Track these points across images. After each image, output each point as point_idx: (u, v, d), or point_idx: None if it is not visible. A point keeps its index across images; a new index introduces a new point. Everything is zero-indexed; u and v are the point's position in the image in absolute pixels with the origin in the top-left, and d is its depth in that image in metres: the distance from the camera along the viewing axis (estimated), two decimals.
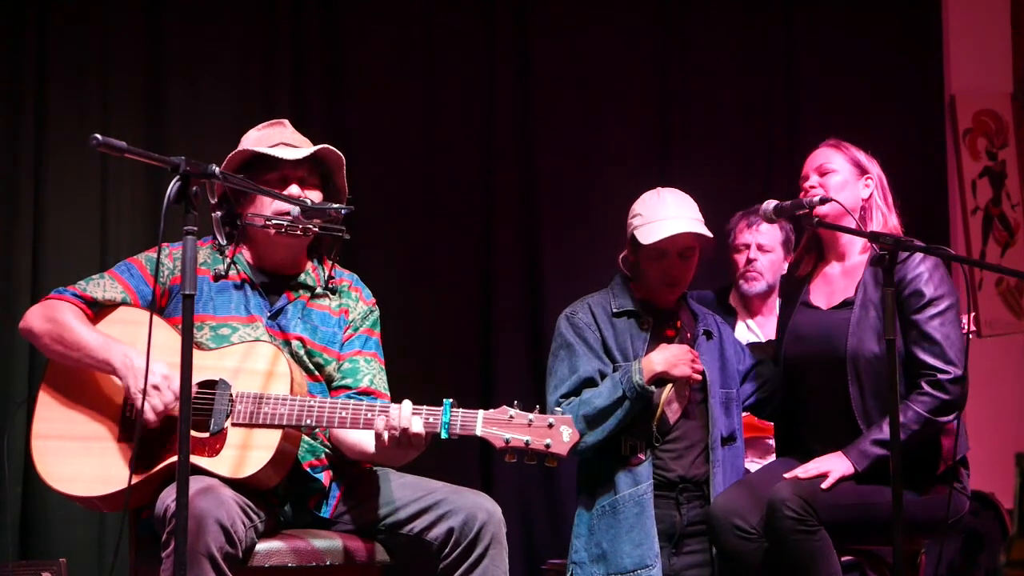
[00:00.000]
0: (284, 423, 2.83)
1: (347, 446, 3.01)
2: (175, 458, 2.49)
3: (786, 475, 3.29)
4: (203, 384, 2.87)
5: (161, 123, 4.58)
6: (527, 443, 2.75)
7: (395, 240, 4.81)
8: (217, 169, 2.58)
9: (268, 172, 3.06)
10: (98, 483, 2.85)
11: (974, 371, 3.43)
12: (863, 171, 3.46)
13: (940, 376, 3.24)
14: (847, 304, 3.39)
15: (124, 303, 3.01)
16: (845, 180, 3.44)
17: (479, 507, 2.90)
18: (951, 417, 3.27)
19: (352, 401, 2.89)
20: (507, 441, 2.76)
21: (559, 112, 5.06)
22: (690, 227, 3.50)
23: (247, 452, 2.82)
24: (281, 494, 2.98)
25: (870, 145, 3.56)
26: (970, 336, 3.91)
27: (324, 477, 3.03)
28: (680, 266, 3.55)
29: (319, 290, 3.13)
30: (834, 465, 3.26)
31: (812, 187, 3.46)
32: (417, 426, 2.78)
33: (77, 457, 2.88)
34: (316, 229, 3.00)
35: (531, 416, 2.77)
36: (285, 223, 2.97)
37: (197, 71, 4.66)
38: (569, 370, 3.54)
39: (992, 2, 5.68)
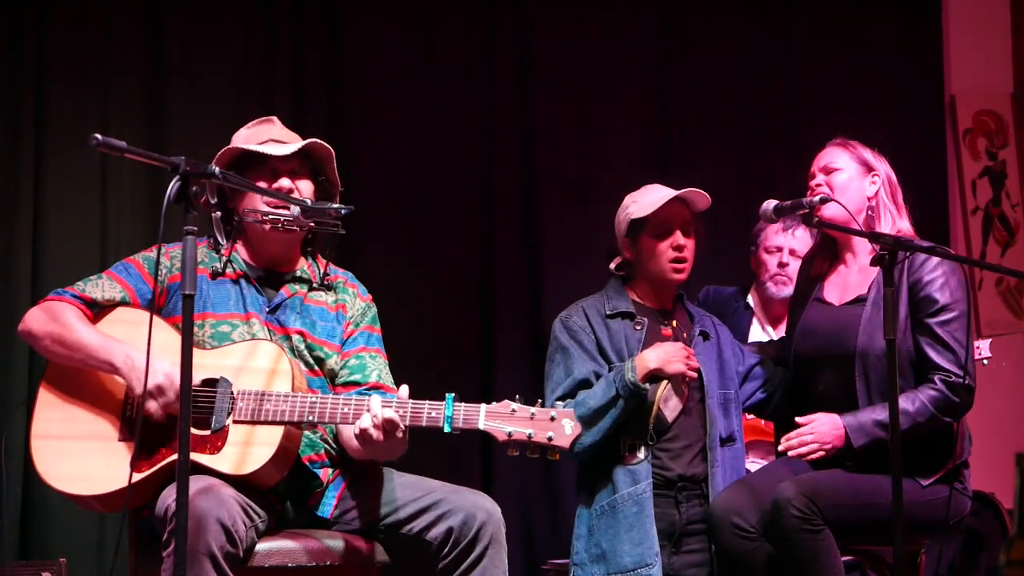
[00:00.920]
0: (286, 420, 2.83)
1: (346, 442, 3.01)
2: (175, 456, 2.49)
3: (781, 447, 3.31)
4: (204, 382, 2.87)
5: (161, 123, 4.58)
6: (529, 436, 2.75)
7: (395, 240, 4.81)
8: (217, 169, 2.59)
9: (258, 168, 3.08)
10: (98, 482, 2.85)
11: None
12: (869, 169, 3.47)
13: (955, 379, 3.25)
14: (859, 301, 3.40)
15: (123, 302, 3.01)
16: (850, 178, 3.45)
17: (478, 507, 2.90)
18: (951, 420, 3.28)
19: (355, 397, 2.89)
20: (510, 434, 2.76)
21: (559, 112, 5.06)
22: (687, 191, 3.53)
23: (249, 449, 2.83)
24: (282, 492, 2.98)
25: (870, 145, 3.56)
26: (984, 362, 3.95)
27: (323, 473, 3.04)
28: (685, 242, 3.55)
29: (315, 284, 3.14)
30: (825, 434, 3.28)
31: (818, 186, 3.46)
32: (387, 413, 2.77)
33: (77, 456, 2.88)
34: (311, 224, 3.02)
35: (533, 409, 2.78)
36: (282, 217, 2.98)
37: (197, 71, 4.66)
38: (565, 373, 3.55)
39: (992, 2, 5.68)
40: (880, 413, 3.24)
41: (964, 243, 5.50)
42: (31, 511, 4.23)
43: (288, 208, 3.00)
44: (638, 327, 3.57)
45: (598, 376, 3.52)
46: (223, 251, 3.09)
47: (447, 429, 2.79)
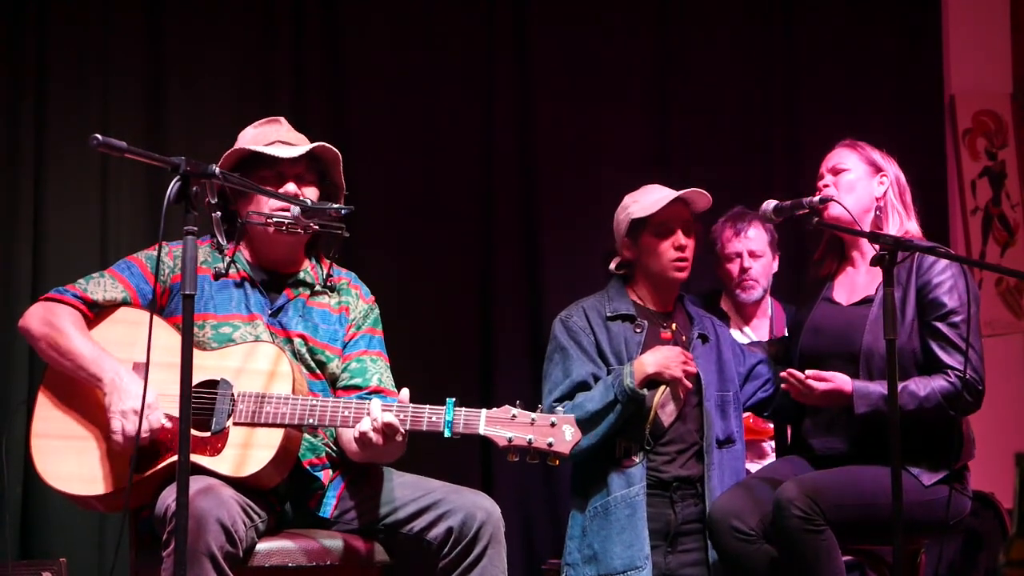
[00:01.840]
0: (286, 422, 2.83)
1: (345, 445, 3.01)
2: (175, 457, 2.49)
3: (782, 375, 3.32)
4: (205, 384, 2.87)
5: (161, 123, 4.57)
6: (530, 442, 2.75)
7: (395, 240, 4.81)
8: (217, 169, 2.58)
9: (264, 170, 3.06)
10: (98, 482, 2.86)
11: None
12: (878, 169, 3.48)
13: (970, 376, 3.25)
14: (867, 301, 3.41)
15: (125, 303, 3.01)
16: (858, 178, 3.46)
17: (478, 506, 2.90)
18: (955, 414, 3.28)
19: (355, 400, 2.89)
20: (510, 440, 2.76)
21: (559, 112, 5.05)
22: (689, 191, 3.54)
23: (249, 451, 2.82)
24: (282, 493, 2.98)
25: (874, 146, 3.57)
26: None
27: (324, 476, 3.03)
28: (686, 242, 3.56)
29: (318, 287, 3.13)
30: (840, 382, 3.27)
31: (826, 186, 3.48)
32: (387, 417, 2.77)
33: (77, 456, 2.88)
34: (315, 227, 3.00)
35: (534, 415, 2.78)
36: (285, 221, 2.97)
37: (197, 71, 4.65)
38: (563, 374, 3.55)
39: (992, 2, 5.68)
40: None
41: (964, 243, 5.50)
42: (31, 511, 4.23)
43: (289, 209, 3.00)
44: (638, 330, 3.57)
45: (596, 378, 3.52)
46: (226, 251, 3.08)
47: (447, 434, 2.78)
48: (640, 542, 3.41)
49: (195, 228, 2.51)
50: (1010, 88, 5.65)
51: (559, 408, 3.42)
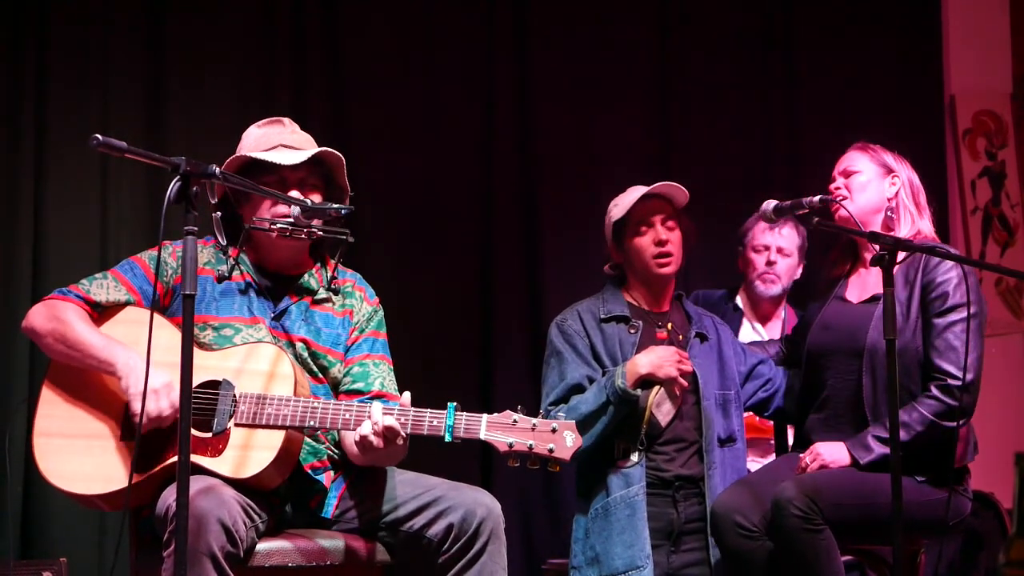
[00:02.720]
0: (287, 424, 2.82)
1: (347, 448, 3.01)
2: (176, 458, 2.49)
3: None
4: (206, 384, 2.87)
5: (161, 123, 4.58)
6: (530, 447, 2.75)
7: (395, 240, 4.81)
8: (217, 169, 2.57)
9: (267, 175, 3.03)
10: (99, 481, 2.85)
11: None
12: (889, 170, 3.51)
13: (951, 381, 3.26)
14: (876, 299, 3.42)
15: (128, 304, 3.00)
16: (869, 180, 3.49)
17: (478, 503, 2.90)
18: (956, 423, 3.28)
19: (356, 403, 2.89)
20: (511, 445, 2.76)
21: (559, 113, 5.05)
22: (658, 185, 3.55)
23: (249, 452, 2.82)
24: (282, 494, 2.98)
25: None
26: None
27: (325, 479, 3.03)
28: (668, 236, 3.56)
29: (322, 292, 3.12)
30: (836, 456, 3.31)
31: (837, 189, 3.51)
32: (388, 420, 2.77)
33: (79, 455, 2.88)
34: (319, 232, 2.98)
35: (535, 420, 2.77)
36: (289, 227, 2.95)
37: (197, 71, 4.66)
38: (559, 377, 3.55)
39: (992, 2, 5.68)
40: (880, 430, 3.27)
41: (963, 243, 5.51)
42: (32, 510, 4.23)
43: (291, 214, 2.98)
44: (633, 330, 3.57)
45: (591, 380, 3.52)
46: (229, 253, 3.07)
47: (448, 438, 2.78)
48: (641, 542, 3.41)
49: (195, 228, 2.50)
50: (1010, 88, 5.66)
51: (559, 413, 3.44)
